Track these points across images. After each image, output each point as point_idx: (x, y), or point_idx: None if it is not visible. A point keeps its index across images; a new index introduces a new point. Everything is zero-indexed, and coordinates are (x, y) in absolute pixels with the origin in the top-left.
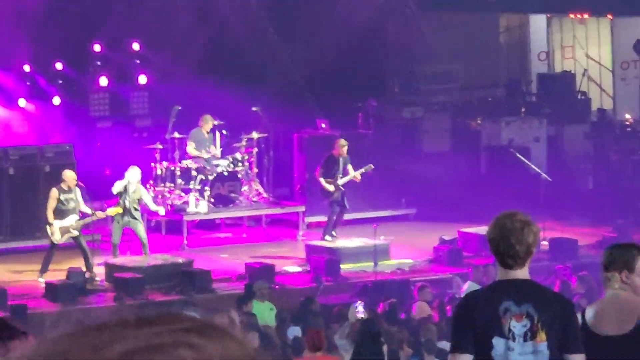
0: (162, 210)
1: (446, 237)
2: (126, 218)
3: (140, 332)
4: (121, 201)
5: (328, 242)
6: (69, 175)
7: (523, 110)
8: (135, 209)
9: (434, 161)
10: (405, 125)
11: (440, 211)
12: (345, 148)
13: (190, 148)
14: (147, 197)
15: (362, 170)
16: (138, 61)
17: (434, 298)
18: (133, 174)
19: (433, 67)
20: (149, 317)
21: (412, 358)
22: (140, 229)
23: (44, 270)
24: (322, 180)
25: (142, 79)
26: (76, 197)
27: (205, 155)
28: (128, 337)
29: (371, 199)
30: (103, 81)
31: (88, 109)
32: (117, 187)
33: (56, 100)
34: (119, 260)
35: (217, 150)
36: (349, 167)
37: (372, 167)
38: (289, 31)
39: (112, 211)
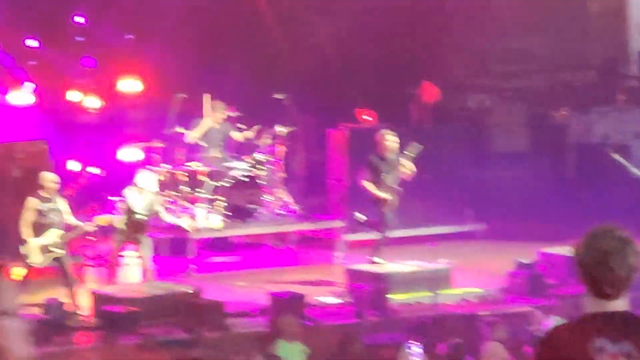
0: (185, 222)
1: (523, 260)
2: (134, 234)
3: None
4: (127, 214)
5: (377, 266)
6: (49, 179)
7: (621, 98)
8: (145, 225)
9: (507, 164)
10: (470, 118)
11: (515, 227)
12: (393, 143)
13: (191, 135)
14: (164, 211)
15: (409, 154)
16: (131, 36)
17: (509, 337)
18: (147, 180)
19: (505, 43)
20: None
21: None
22: (147, 251)
23: None
24: (369, 186)
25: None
26: (60, 206)
27: (218, 154)
28: None
29: (428, 212)
30: (87, 62)
31: (64, 101)
32: (130, 197)
33: (28, 86)
34: (110, 289)
35: (242, 135)
36: None
37: (420, 147)
38: (324, 2)
39: (103, 220)
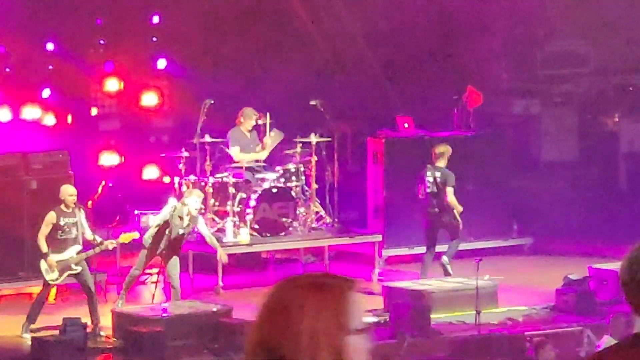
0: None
1: (573, 277)
2: (168, 250)
3: None
4: (165, 230)
5: (414, 285)
6: (68, 192)
7: None
8: (181, 242)
9: (555, 173)
10: (517, 125)
11: (564, 241)
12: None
13: (236, 152)
14: (206, 231)
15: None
16: (155, 39)
17: (557, 358)
18: (194, 200)
19: (554, 45)
20: None
21: None
22: (177, 268)
23: (31, 321)
24: (453, 199)
25: (161, 64)
26: (80, 221)
27: (246, 165)
28: None
29: (472, 225)
30: (109, 66)
31: (88, 104)
32: (164, 213)
33: (45, 93)
34: (133, 308)
35: (265, 153)
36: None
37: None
38: (363, 3)
39: (126, 237)
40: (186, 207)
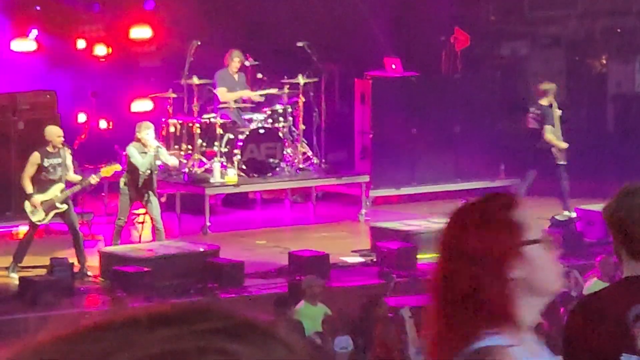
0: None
1: (560, 217)
2: (143, 191)
3: (154, 335)
4: (131, 172)
5: (401, 225)
6: (53, 132)
7: None
8: (151, 183)
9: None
10: (504, 66)
11: (551, 182)
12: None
13: (222, 93)
14: (167, 157)
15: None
16: None
17: None
18: (146, 132)
19: None
20: (166, 314)
21: None
22: (157, 209)
23: (17, 262)
24: (551, 137)
25: (149, 4)
26: (65, 160)
27: (235, 105)
28: (138, 341)
29: (459, 166)
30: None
31: (74, 42)
32: (133, 154)
33: (32, 34)
34: (120, 249)
35: (254, 95)
36: None
37: None
38: None
39: (107, 171)
40: (141, 143)
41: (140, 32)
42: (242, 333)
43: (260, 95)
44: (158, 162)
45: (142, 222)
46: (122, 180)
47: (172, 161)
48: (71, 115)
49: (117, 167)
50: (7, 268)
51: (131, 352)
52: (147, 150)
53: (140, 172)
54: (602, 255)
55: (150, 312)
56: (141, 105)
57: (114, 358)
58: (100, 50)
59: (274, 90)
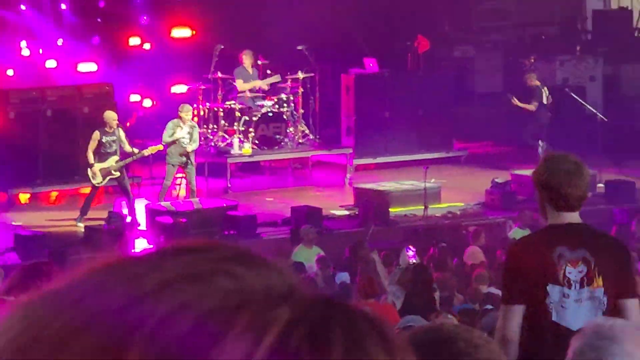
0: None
1: (499, 180)
2: (185, 160)
3: (178, 261)
4: (178, 143)
5: (380, 185)
6: (110, 116)
7: (578, 48)
8: (191, 157)
9: (486, 101)
10: (456, 65)
11: (492, 153)
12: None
13: (240, 84)
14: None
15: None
16: None
17: (486, 242)
18: (188, 112)
19: (485, 4)
20: (187, 245)
21: (464, 305)
22: (193, 175)
23: (83, 214)
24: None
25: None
26: (119, 138)
27: (249, 94)
28: (166, 266)
29: (421, 140)
30: (143, 20)
31: (127, 46)
32: (166, 128)
33: (95, 40)
34: (162, 204)
35: (264, 86)
36: None
37: None
38: None
39: (153, 149)
40: (180, 120)
41: (181, 31)
42: (245, 261)
43: (267, 84)
44: (197, 137)
45: (179, 184)
46: (168, 152)
47: (195, 137)
48: (125, 95)
49: (160, 147)
50: (75, 219)
51: (161, 273)
52: (182, 126)
53: (179, 143)
54: (520, 210)
55: (176, 245)
56: (178, 88)
57: (146, 278)
58: (147, 45)
59: (275, 78)
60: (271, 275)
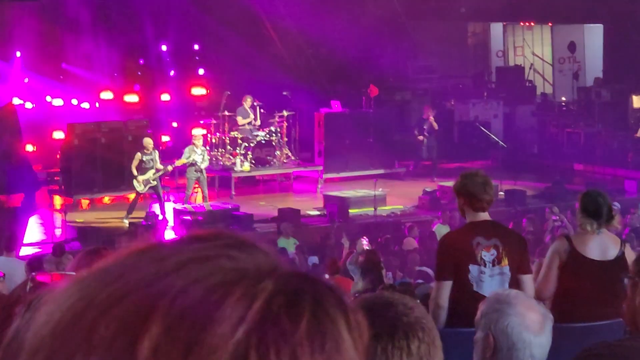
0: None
1: (428, 189)
2: (200, 174)
3: (192, 247)
4: (194, 162)
5: (340, 194)
6: (148, 142)
7: (485, 94)
8: (204, 173)
9: (419, 132)
10: (397, 106)
11: (423, 170)
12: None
13: (240, 120)
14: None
15: None
16: (197, 58)
17: (419, 234)
18: (200, 139)
19: (418, 62)
20: (199, 235)
21: (403, 279)
22: (205, 185)
23: (128, 213)
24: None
25: (201, 71)
26: (155, 157)
27: (248, 127)
28: (183, 250)
29: (372, 160)
30: (172, 73)
31: (159, 96)
32: (184, 152)
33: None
34: (185, 206)
35: (258, 121)
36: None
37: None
38: (316, 35)
39: (180, 162)
40: (194, 145)
41: (198, 90)
42: (241, 246)
43: (258, 121)
44: (207, 158)
45: (196, 192)
46: (187, 170)
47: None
48: (157, 134)
49: (178, 164)
50: (122, 217)
51: (179, 256)
52: (196, 150)
53: (197, 166)
54: (442, 210)
55: (190, 235)
56: (198, 131)
57: (168, 260)
58: (166, 97)
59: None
60: (260, 257)
